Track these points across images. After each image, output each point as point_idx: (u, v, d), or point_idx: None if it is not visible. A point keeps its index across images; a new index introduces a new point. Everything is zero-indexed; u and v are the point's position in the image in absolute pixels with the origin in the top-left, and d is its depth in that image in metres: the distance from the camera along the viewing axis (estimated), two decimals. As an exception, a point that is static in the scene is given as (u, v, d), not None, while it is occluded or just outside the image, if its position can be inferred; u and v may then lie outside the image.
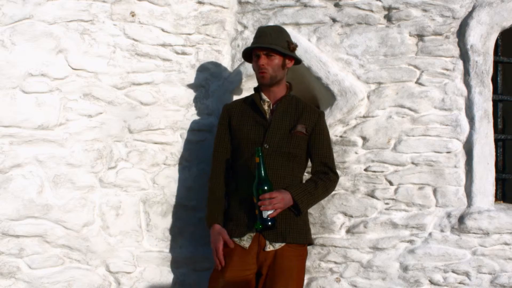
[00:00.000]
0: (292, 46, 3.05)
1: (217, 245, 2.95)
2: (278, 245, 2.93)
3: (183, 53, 3.54)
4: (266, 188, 2.82)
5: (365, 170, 3.48)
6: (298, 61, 3.14)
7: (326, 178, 3.04)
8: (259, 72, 3.01)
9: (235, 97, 3.67)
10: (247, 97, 3.19)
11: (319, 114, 3.12)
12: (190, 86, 3.55)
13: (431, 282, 3.41)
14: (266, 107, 3.08)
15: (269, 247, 2.92)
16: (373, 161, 3.47)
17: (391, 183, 3.46)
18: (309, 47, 3.51)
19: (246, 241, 2.94)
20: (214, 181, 3.11)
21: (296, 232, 2.97)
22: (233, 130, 3.10)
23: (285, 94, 3.09)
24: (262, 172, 2.82)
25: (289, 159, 3.01)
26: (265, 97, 3.08)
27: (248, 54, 3.14)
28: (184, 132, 3.52)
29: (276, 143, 2.99)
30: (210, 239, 3.02)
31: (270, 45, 2.98)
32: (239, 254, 2.92)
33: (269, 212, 2.80)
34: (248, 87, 3.65)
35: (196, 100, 3.57)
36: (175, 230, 3.47)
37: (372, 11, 3.52)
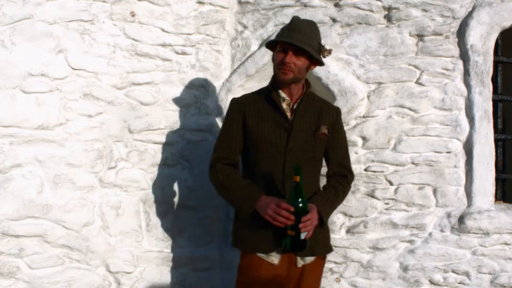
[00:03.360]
0: (324, 50, 2.74)
1: (273, 206, 2.57)
2: (308, 260, 2.74)
3: (183, 53, 3.54)
4: (304, 208, 2.56)
5: (365, 170, 3.48)
6: (321, 64, 2.81)
7: (345, 182, 2.85)
8: (283, 69, 2.67)
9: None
10: (259, 92, 2.86)
11: (336, 111, 2.88)
12: (190, 86, 3.55)
13: (431, 282, 3.41)
14: (285, 106, 2.76)
15: (300, 263, 2.72)
16: (373, 161, 3.47)
17: (391, 183, 3.46)
18: (309, 47, 3.51)
19: (274, 257, 2.69)
20: (233, 176, 2.75)
21: (323, 244, 2.79)
22: (250, 131, 2.75)
23: (304, 92, 2.79)
24: (302, 192, 2.54)
25: (313, 164, 2.78)
26: (284, 95, 2.76)
27: (272, 42, 2.79)
28: (184, 132, 3.52)
29: (300, 147, 2.72)
30: (261, 212, 2.61)
31: (303, 45, 2.64)
32: (268, 270, 2.68)
33: (305, 233, 2.57)
34: (248, 87, 3.65)
35: (196, 100, 3.57)
36: (175, 230, 3.47)
37: (372, 11, 3.52)
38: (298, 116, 2.74)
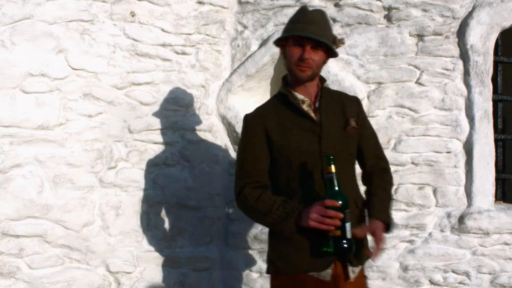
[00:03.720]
0: (339, 41, 2.50)
1: (316, 208, 2.26)
2: (357, 270, 2.43)
3: (183, 53, 3.54)
4: (346, 201, 2.25)
5: (365, 170, 3.47)
6: (336, 56, 2.54)
7: (389, 176, 2.61)
8: (301, 66, 2.38)
9: (236, 97, 3.67)
10: (273, 100, 2.56)
11: (356, 101, 2.61)
12: (190, 86, 3.55)
13: (431, 282, 3.41)
14: (305, 107, 2.46)
15: (352, 274, 2.39)
16: (373, 161, 3.47)
17: (391, 183, 3.45)
18: (309, 47, 3.51)
19: (326, 273, 2.34)
20: (265, 197, 2.41)
21: (366, 249, 2.49)
22: (276, 146, 2.43)
23: (321, 87, 2.52)
24: (339, 184, 2.26)
25: (351, 163, 2.53)
26: (302, 96, 2.46)
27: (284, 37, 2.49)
28: (184, 132, 3.52)
29: (334, 147, 2.41)
30: (304, 222, 2.29)
31: (323, 38, 2.36)
32: None
33: (350, 231, 2.26)
34: (248, 87, 3.65)
35: (196, 100, 3.57)
36: (175, 230, 3.47)
37: (372, 11, 3.52)
38: (324, 115, 2.45)
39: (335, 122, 2.46)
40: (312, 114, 2.44)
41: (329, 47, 2.41)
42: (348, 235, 2.23)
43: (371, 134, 2.62)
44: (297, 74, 2.42)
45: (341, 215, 2.21)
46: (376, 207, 2.48)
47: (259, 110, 2.56)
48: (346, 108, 2.52)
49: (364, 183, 2.62)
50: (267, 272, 2.50)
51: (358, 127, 2.51)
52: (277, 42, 2.53)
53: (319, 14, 2.46)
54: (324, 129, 2.43)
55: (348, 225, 2.23)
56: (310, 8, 2.51)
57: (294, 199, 2.37)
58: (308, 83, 2.46)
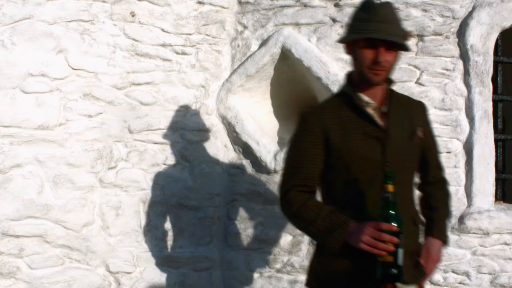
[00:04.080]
0: (409, 35, 2.35)
1: (369, 230, 2.04)
2: None
3: (183, 53, 3.54)
4: (400, 224, 2.05)
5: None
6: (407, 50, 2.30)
7: (448, 187, 2.48)
8: (375, 69, 2.17)
9: (236, 97, 3.67)
10: (334, 99, 2.34)
11: (423, 107, 2.41)
12: (190, 86, 3.55)
13: (431, 282, 3.40)
14: (371, 111, 2.23)
15: None
16: (373, 161, 3.46)
17: (391, 183, 3.44)
18: (309, 47, 3.51)
19: None
20: (311, 204, 2.21)
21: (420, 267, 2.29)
22: (335, 149, 2.19)
23: (388, 91, 2.31)
24: (396, 205, 2.05)
25: (410, 174, 2.30)
26: (368, 99, 2.23)
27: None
28: (184, 132, 3.52)
29: (397, 156, 2.18)
30: (353, 242, 2.08)
31: (398, 39, 2.16)
32: None
33: (402, 257, 2.04)
34: (248, 87, 3.65)
35: (196, 100, 3.57)
36: (175, 230, 3.47)
37: (372, 11, 3.51)
38: (391, 121, 2.23)
39: (401, 129, 2.24)
40: (378, 119, 2.22)
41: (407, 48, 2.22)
42: (400, 262, 2.03)
43: (435, 143, 2.44)
44: (370, 78, 2.19)
45: (396, 240, 2.02)
46: (436, 224, 2.34)
47: (319, 107, 2.38)
48: (413, 115, 2.32)
49: (423, 192, 2.44)
50: (307, 285, 2.30)
51: (424, 137, 2.31)
52: (343, 41, 2.28)
53: (390, 9, 2.20)
54: (389, 136, 2.20)
55: (400, 251, 2.04)
56: (376, 1, 2.25)
57: (348, 209, 2.15)
58: (378, 86, 2.24)
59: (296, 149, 2.26)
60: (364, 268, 2.09)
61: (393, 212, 2.03)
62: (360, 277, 2.12)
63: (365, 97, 2.23)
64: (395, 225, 2.02)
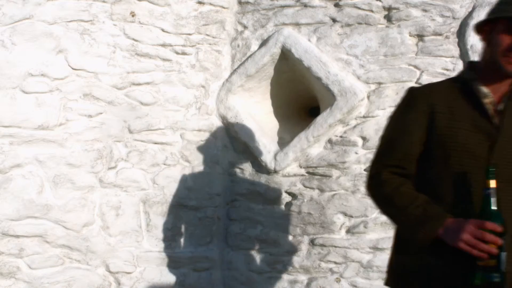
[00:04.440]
0: None
1: (471, 228, 1.81)
2: None
3: (183, 53, 3.54)
4: (504, 226, 1.84)
5: (365, 170, 3.47)
6: None
7: None
8: (511, 57, 1.91)
9: (236, 97, 3.67)
10: (449, 83, 2.08)
11: None
12: (190, 86, 3.55)
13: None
14: (487, 104, 2.00)
15: None
16: (373, 161, 3.46)
17: (391, 183, 3.44)
18: (309, 47, 3.51)
19: None
20: (405, 190, 1.98)
21: None
22: (438, 134, 1.97)
23: (510, 89, 2.03)
24: (495, 202, 1.84)
25: None
26: (488, 91, 1.99)
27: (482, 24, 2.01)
28: (184, 132, 3.52)
29: (506, 158, 1.96)
30: (450, 239, 1.84)
31: None
32: None
33: (505, 262, 1.81)
34: (248, 87, 3.65)
35: (196, 100, 3.57)
36: (175, 230, 3.47)
37: (372, 11, 3.52)
38: (507, 120, 1.98)
39: None
40: (493, 115, 1.99)
41: None
42: (503, 267, 1.80)
43: None
44: (503, 66, 1.93)
45: (500, 242, 1.80)
46: None
47: (430, 86, 2.17)
48: None
49: None
50: (387, 284, 2.07)
51: None
52: (480, 27, 2.02)
53: None
54: (501, 135, 1.96)
55: (504, 255, 1.81)
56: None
57: (441, 205, 1.92)
58: (504, 81, 2.00)
59: (396, 125, 2.05)
60: (458, 272, 1.86)
61: (495, 209, 1.82)
62: (451, 283, 1.88)
63: (485, 88, 1.99)
64: (500, 225, 1.81)
